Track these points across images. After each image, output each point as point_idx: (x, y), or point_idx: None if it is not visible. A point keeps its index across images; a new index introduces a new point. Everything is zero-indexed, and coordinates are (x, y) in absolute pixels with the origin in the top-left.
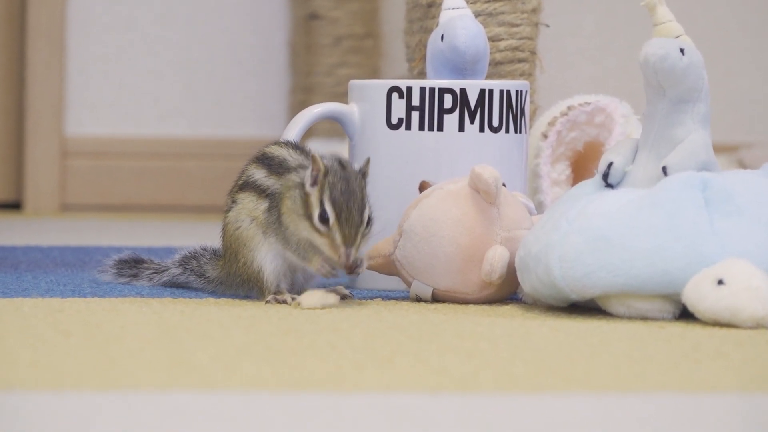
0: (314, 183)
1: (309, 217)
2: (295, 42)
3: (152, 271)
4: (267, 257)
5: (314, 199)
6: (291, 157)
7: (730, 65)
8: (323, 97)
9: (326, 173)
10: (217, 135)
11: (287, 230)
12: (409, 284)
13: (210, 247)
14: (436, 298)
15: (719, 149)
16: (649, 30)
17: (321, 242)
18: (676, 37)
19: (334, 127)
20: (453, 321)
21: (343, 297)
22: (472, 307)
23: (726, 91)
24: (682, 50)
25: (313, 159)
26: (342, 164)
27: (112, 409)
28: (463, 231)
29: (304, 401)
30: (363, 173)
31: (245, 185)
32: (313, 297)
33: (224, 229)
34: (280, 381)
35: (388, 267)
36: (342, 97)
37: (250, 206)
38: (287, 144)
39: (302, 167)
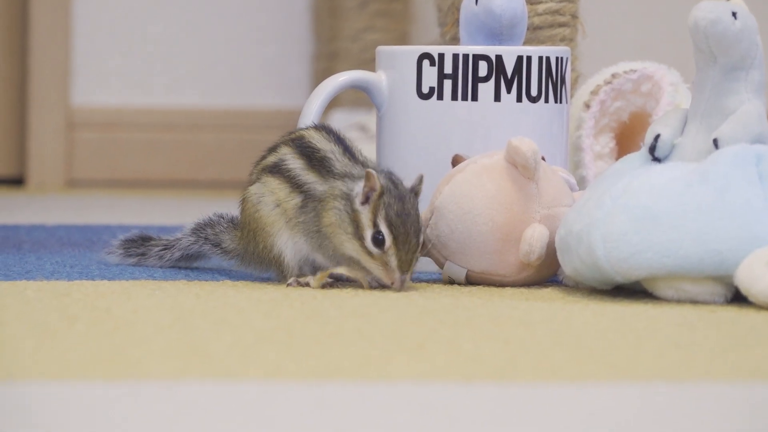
0: (366, 201)
1: (360, 237)
2: (318, 4)
3: (161, 248)
4: (288, 244)
5: (366, 219)
6: (336, 158)
7: None
8: (348, 65)
9: (381, 193)
10: (233, 105)
11: (327, 241)
12: (441, 265)
13: (227, 215)
14: (470, 281)
15: None
16: None
17: (372, 265)
18: (728, 0)
19: (360, 96)
20: (488, 305)
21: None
22: (508, 291)
23: None
24: (734, 14)
25: (368, 176)
26: (394, 182)
27: (122, 399)
28: (499, 208)
29: (328, 391)
30: (416, 192)
31: (276, 169)
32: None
33: (243, 204)
34: (302, 369)
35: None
36: (368, 64)
37: (281, 195)
38: (330, 136)
39: (349, 177)
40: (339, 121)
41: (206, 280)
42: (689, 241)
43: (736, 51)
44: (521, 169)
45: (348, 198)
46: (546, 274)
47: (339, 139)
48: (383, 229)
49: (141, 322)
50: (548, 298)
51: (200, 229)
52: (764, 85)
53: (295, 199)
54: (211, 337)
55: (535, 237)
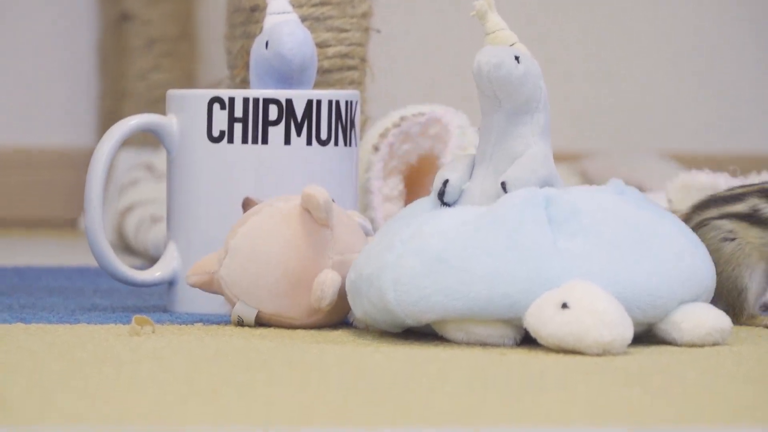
0: None
1: None
2: (105, 44)
3: None
4: (756, 278)
5: None
6: None
7: (571, 72)
8: (135, 104)
9: None
10: (20, 144)
11: None
12: (233, 305)
13: None
14: (260, 322)
15: (561, 158)
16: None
17: None
18: (511, 45)
19: (147, 136)
20: (280, 348)
21: None
22: (299, 333)
23: (567, 98)
24: (517, 58)
25: None
26: None
27: None
28: (292, 253)
29: None
30: None
31: (752, 219)
32: None
33: (701, 229)
34: (99, 416)
35: (212, 285)
36: (156, 103)
37: (752, 239)
38: None
39: None
40: (126, 161)
41: None
42: (479, 284)
43: (521, 95)
44: (315, 216)
45: None
46: (336, 317)
47: None
48: None
49: None
50: (339, 340)
51: None
52: (549, 128)
53: None
54: (4, 383)
55: (326, 283)
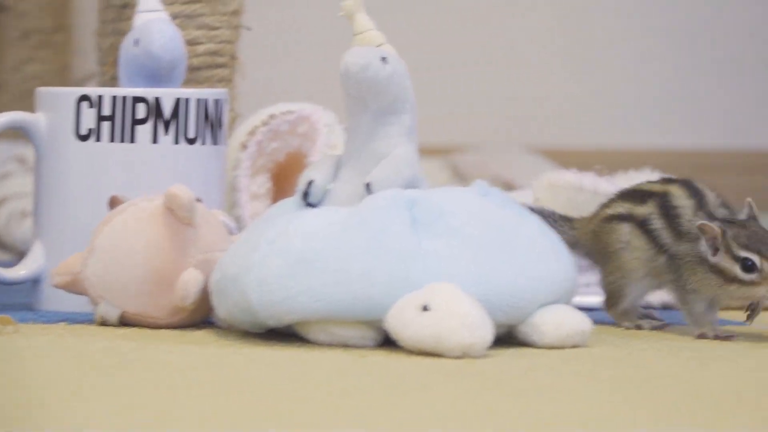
0: (715, 252)
1: (731, 280)
2: None
3: None
4: (637, 289)
5: (727, 265)
6: (688, 214)
7: (442, 66)
8: (9, 95)
9: (723, 233)
10: None
11: (696, 294)
12: (97, 305)
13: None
14: (124, 322)
15: (431, 152)
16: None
17: (756, 292)
18: (378, 46)
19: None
20: (143, 349)
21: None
22: (163, 333)
23: (438, 93)
24: (384, 59)
25: (702, 229)
26: (733, 220)
27: None
28: (156, 252)
29: None
30: (753, 217)
31: (643, 227)
32: None
33: (608, 225)
34: None
35: (76, 285)
36: (30, 95)
37: (640, 252)
38: (690, 193)
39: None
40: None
41: None
42: (342, 285)
43: (387, 95)
44: (178, 215)
45: (704, 262)
46: (199, 317)
47: (695, 193)
48: (745, 254)
49: None
50: (202, 341)
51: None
52: (415, 129)
53: (660, 260)
54: None
55: (190, 282)
